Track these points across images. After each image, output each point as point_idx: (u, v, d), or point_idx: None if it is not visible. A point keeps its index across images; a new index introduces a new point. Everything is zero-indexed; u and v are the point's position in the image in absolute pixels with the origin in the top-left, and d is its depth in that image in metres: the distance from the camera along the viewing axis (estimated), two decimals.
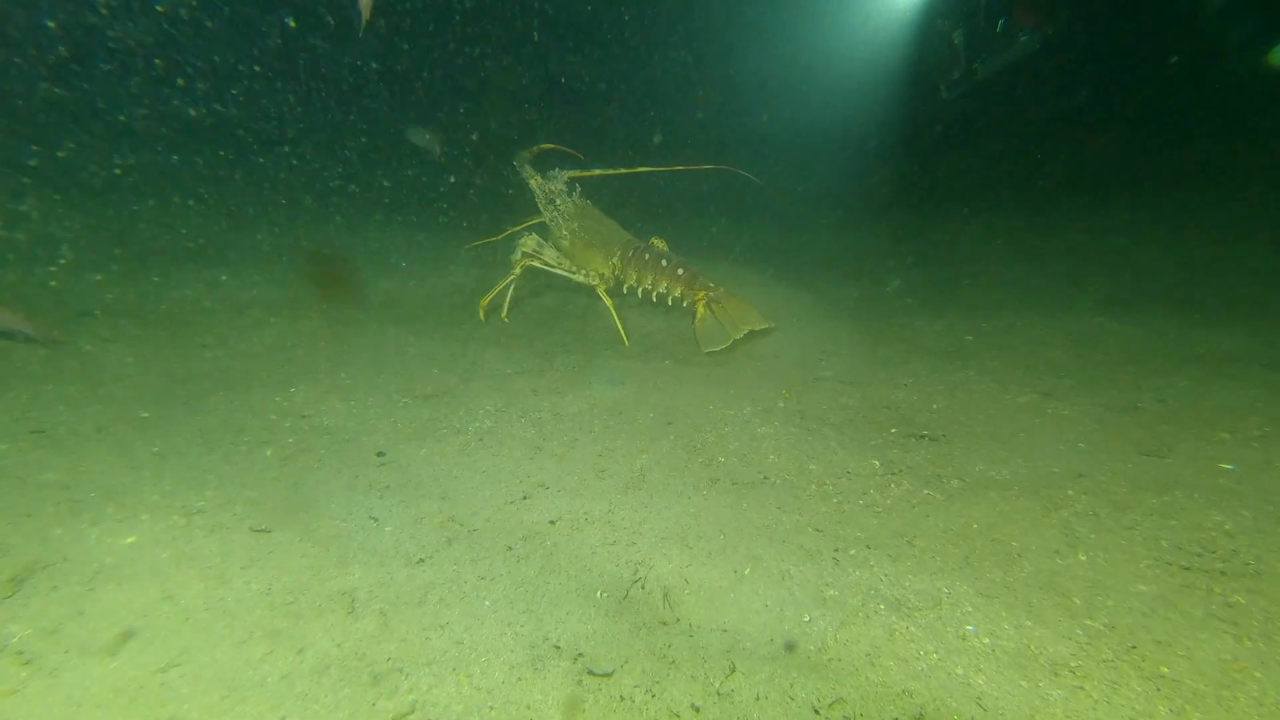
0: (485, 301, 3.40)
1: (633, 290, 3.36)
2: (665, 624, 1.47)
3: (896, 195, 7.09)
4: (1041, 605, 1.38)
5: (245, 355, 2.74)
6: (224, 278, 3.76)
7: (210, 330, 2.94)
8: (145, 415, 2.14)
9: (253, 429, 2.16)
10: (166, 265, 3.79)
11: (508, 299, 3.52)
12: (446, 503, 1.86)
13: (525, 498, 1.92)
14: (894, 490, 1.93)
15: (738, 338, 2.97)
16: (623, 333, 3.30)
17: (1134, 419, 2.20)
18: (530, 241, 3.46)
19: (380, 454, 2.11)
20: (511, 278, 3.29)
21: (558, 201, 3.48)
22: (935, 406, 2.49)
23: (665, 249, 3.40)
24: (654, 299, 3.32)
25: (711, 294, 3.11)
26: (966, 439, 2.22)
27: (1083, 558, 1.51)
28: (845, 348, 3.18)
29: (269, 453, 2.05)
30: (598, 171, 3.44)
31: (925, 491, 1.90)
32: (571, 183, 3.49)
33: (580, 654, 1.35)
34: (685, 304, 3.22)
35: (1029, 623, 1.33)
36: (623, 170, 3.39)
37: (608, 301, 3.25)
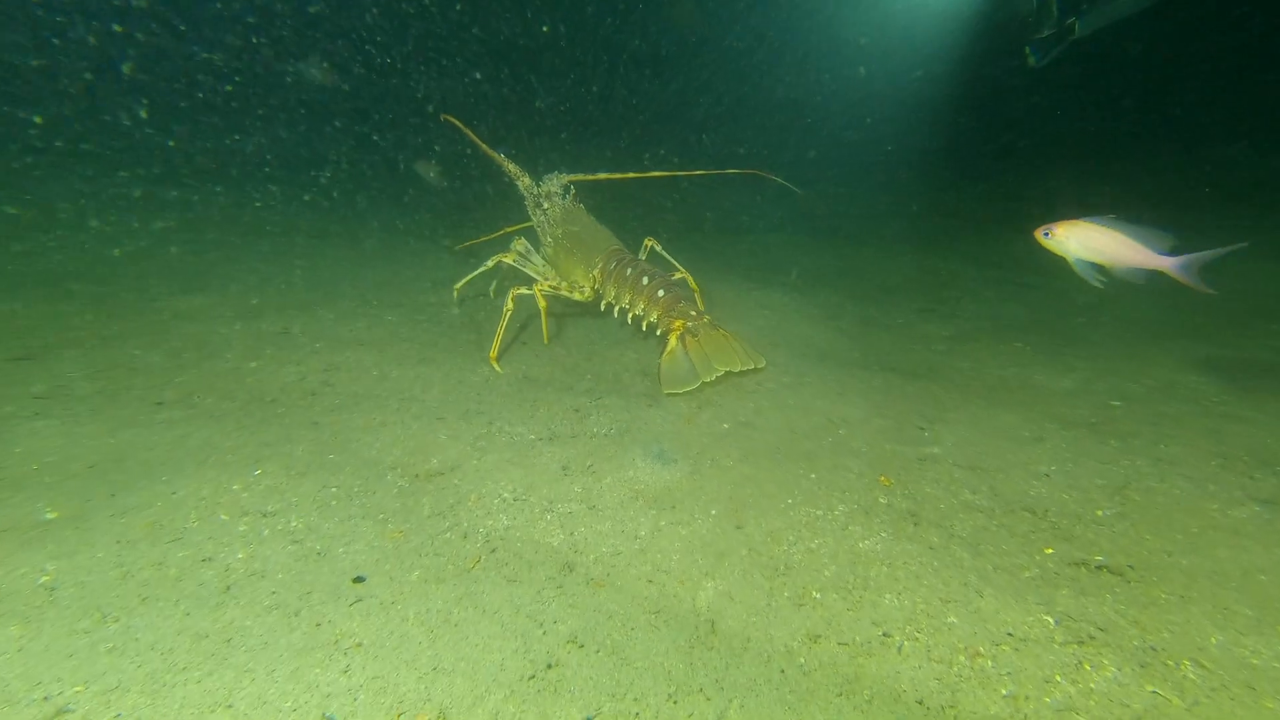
0: (494, 353, 2.90)
1: (612, 308, 3.01)
2: None
3: (975, 204, 6.28)
4: None
5: (209, 416, 2.23)
6: (202, 300, 3.31)
7: (173, 380, 2.44)
8: (51, 516, 1.64)
9: (193, 538, 1.63)
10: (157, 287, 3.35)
11: (499, 328, 3.12)
12: (437, 679, 1.30)
13: (550, 666, 1.35)
14: (1093, 678, 1.30)
15: (708, 380, 2.60)
16: (545, 332, 3.16)
17: None
18: (519, 244, 3.21)
19: (358, 580, 1.56)
20: (506, 313, 2.93)
21: (545, 205, 3.18)
22: (1101, 514, 1.85)
23: (679, 278, 3.03)
24: (629, 320, 2.96)
25: (689, 324, 2.71)
26: (1170, 576, 1.57)
27: None
28: (951, 412, 2.54)
29: (208, 576, 1.52)
30: (602, 175, 3.08)
31: (1149, 688, 1.27)
32: (567, 187, 3.20)
33: None
34: (659, 332, 2.84)
35: None
36: (632, 174, 3.08)
37: (541, 303, 3.00)
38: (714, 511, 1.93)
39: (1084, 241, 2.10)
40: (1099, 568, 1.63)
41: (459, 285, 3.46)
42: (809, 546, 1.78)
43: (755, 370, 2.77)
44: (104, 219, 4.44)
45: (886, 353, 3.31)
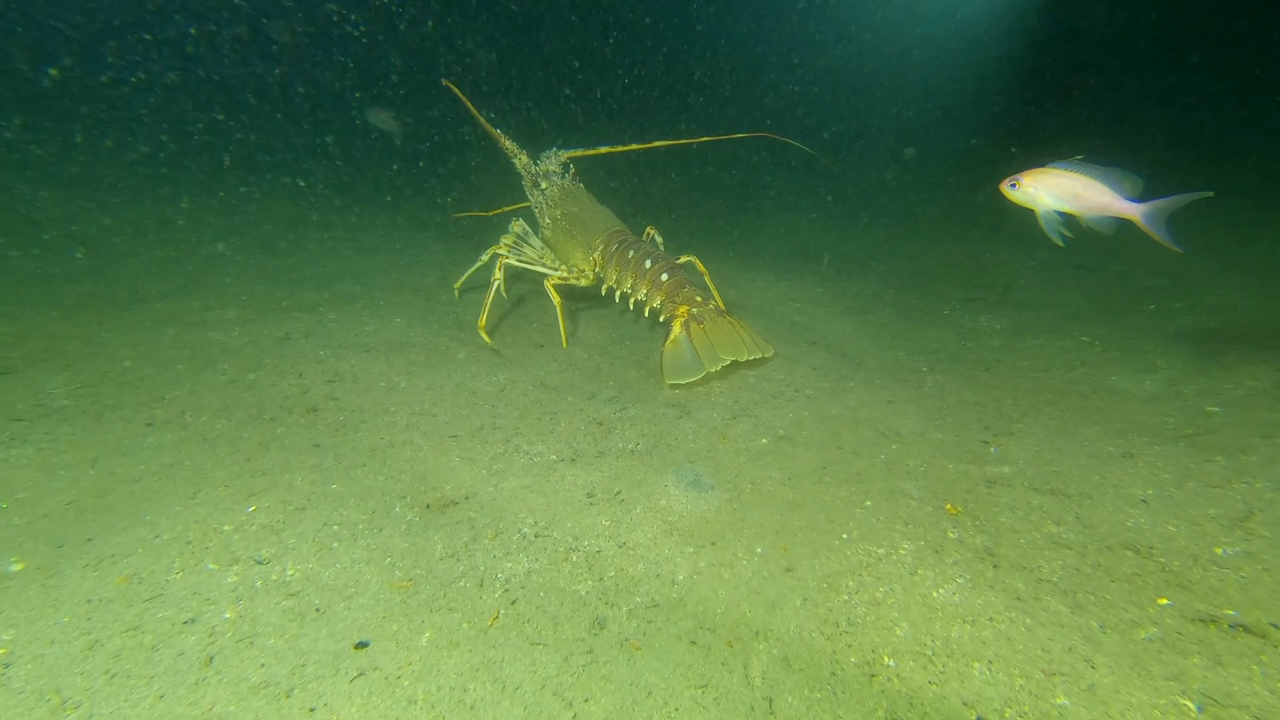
0: (482, 323, 2.81)
1: (614, 294, 2.86)
2: None
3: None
4: None
5: (202, 439, 2.04)
6: (197, 301, 3.12)
7: (165, 395, 2.25)
8: (16, 568, 1.46)
9: (175, 593, 1.44)
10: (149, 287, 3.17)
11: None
12: None
13: None
14: None
15: (713, 371, 2.45)
16: (564, 334, 2.93)
17: None
18: (517, 226, 3.08)
19: (360, 645, 1.36)
20: (495, 284, 2.82)
21: (543, 184, 3.04)
22: (1222, 552, 1.58)
23: (685, 261, 2.87)
24: (630, 306, 2.82)
25: (694, 311, 2.56)
26: None
27: None
28: (1017, 423, 2.26)
29: (189, 645, 1.32)
30: (603, 149, 2.95)
31: None
32: (566, 164, 3.06)
33: None
34: (662, 318, 2.67)
35: None
36: (634, 146, 2.94)
37: (555, 299, 2.83)
38: (759, 549, 1.70)
39: (1054, 189, 1.88)
40: (1234, 627, 1.37)
41: (458, 284, 3.39)
42: (873, 596, 1.54)
43: (763, 359, 2.60)
44: (90, 216, 4.27)
45: (934, 351, 3.03)
